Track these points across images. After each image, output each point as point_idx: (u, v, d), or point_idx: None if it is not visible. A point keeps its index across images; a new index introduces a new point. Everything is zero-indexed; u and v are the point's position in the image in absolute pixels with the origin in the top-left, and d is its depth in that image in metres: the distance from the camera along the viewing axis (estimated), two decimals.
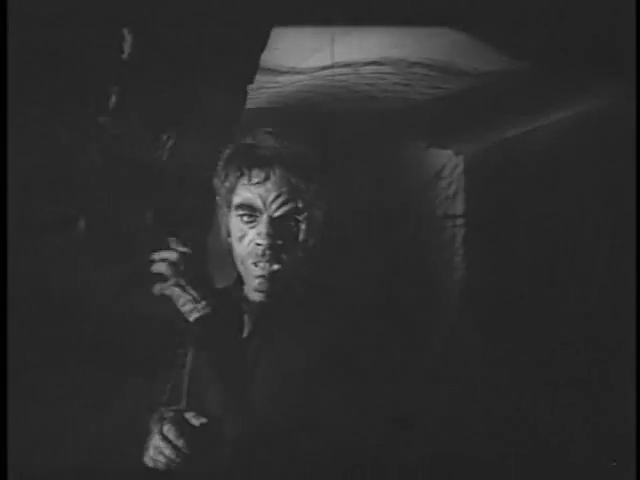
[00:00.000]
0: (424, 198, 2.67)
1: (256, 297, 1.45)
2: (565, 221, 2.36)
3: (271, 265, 1.41)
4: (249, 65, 1.82)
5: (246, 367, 1.42)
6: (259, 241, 1.40)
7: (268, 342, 1.42)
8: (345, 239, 2.54)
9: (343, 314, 1.59)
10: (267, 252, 1.41)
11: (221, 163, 1.46)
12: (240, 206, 1.42)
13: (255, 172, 1.40)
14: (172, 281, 1.39)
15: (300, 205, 1.44)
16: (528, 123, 2.33)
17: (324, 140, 2.31)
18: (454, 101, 2.50)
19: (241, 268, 1.46)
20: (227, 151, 1.46)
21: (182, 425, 1.33)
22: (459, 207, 2.63)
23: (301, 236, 1.45)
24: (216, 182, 1.47)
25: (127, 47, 1.60)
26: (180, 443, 1.32)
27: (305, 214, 1.45)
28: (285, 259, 1.44)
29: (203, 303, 1.43)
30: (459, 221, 2.62)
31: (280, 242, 1.42)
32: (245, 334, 1.49)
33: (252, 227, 1.42)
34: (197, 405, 1.36)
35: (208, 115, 1.78)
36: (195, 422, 1.35)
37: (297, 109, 2.61)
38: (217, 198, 1.48)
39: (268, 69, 2.46)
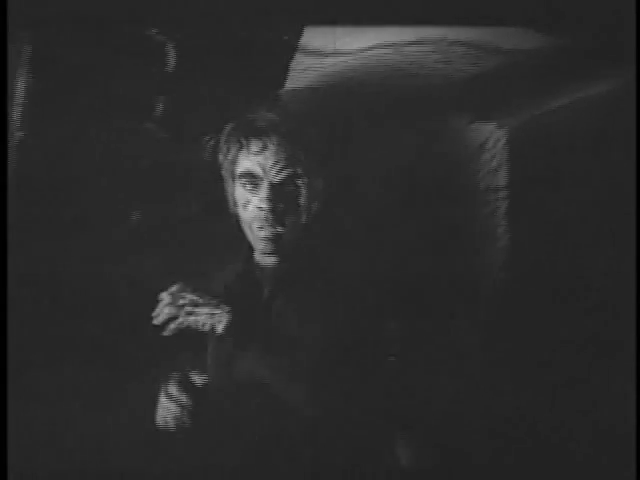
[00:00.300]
0: (467, 171, 2.75)
1: (266, 261, 1.61)
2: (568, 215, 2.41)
3: (275, 228, 1.57)
4: (280, 68, 1.94)
5: (268, 334, 1.57)
6: (261, 205, 1.56)
7: (285, 309, 1.57)
8: (385, 212, 2.67)
9: (364, 285, 1.71)
10: (270, 216, 1.58)
11: (223, 138, 1.61)
12: (242, 175, 1.59)
13: (254, 142, 1.58)
14: (180, 319, 1.54)
15: (299, 171, 1.58)
16: (558, 98, 2.37)
17: (354, 115, 2.44)
18: (494, 77, 2.57)
19: (249, 234, 1.62)
20: (228, 126, 1.61)
21: (185, 383, 1.50)
22: (502, 180, 2.70)
23: (302, 201, 1.61)
24: (220, 156, 1.63)
25: (171, 60, 1.75)
26: (184, 399, 1.50)
27: (305, 180, 1.60)
28: (288, 223, 1.59)
29: (220, 311, 1.57)
30: (501, 194, 2.69)
31: (282, 206, 1.58)
32: (263, 300, 1.64)
33: (255, 194, 1.59)
34: (224, 380, 1.53)
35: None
36: (198, 380, 1.52)
37: (342, 88, 2.73)
38: (222, 172, 1.63)
39: (314, 51, 2.59)
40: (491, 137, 2.71)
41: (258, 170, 1.60)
